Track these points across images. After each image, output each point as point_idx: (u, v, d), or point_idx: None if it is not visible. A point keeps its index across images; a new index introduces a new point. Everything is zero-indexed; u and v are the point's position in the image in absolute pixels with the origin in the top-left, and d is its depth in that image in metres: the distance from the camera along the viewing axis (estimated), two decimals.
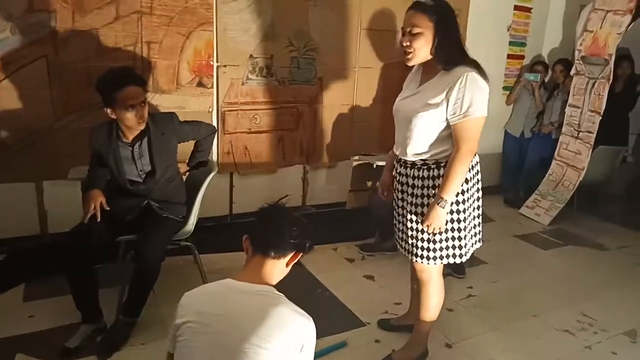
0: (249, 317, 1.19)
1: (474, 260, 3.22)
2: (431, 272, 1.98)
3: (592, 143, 3.89)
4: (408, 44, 1.74)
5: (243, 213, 3.47)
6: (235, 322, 1.18)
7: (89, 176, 2.27)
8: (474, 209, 1.91)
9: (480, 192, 1.95)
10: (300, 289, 1.40)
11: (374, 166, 3.38)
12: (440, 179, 1.80)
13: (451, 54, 1.75)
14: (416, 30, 1.71)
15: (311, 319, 1.24)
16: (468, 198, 1.85)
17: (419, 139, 1.82)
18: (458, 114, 1.72)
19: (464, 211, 1.85)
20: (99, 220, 2.12)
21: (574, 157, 4.04)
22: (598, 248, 3.63)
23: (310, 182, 3.78)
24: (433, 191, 1.83)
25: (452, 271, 2.97)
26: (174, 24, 2.98)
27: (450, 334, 2.37)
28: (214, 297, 1.26)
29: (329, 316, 2.40)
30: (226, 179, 3.43)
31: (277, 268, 1.32)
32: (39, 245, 2.86)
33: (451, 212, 1.83)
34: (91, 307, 2.17)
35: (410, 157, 1.87)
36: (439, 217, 1.77)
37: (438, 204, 1.75)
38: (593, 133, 3.87)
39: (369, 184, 3.81)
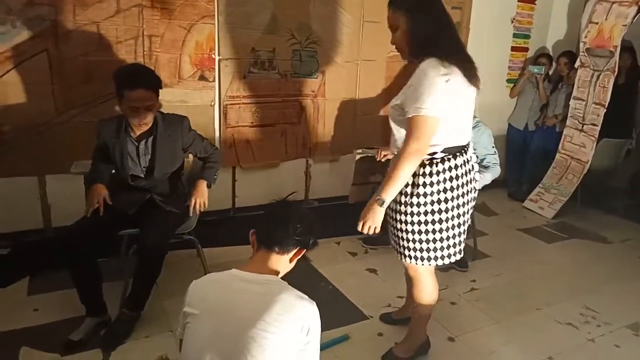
0: (253, 303, 1.21)
1: (477, 253, 3.22)
2: (418, 271, 1.95)
3: (597, 136, 3.87)
4: (393, 42, 1.72)
5: (246, 207, 3.47)
6: (239, 309, 1.21)
7: (92, 170, 2.28)
8: (460, 214, 1.80)
9: (470, 196, 1.82)
10: (303, 283, 1.40)
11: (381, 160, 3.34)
12: (423, 177, 1.73)
13: (418, 45, 1.65)
14: (394, 27, 1.69)
15: (314, 303, 1.27)
16: (455, 197, 1.76)
17: (397, 138, 1.77)
18: (408, 109, 1.62)
19: (446, 210, 1.76)
20: (101, 214, 2.13)
21: (578, 150, 4.02)
22: (602, 241, 3.61)
23: (313, 175, 3.77)
24: (416, 190, 1.75)
25: (455, 265, 2.97)
26: (175, 17, 2.97)
27: (453, 327, 2.37)
28: (218, 284, 1.29)
29: (332, 309, 2.40)
30: (229, 172, 3.43)
31: (281, 263, 1.35)
32: (42, 239, 2.87)
33: (432, 212, 1.76)
34: (95, 301, 2.18)
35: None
36: (375, 215, 1.69)
37: (376, 202, 1.68)
38: (597, 126, 3.85)
39: (373, 177, 3.79)
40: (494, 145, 3.00)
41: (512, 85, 4.55)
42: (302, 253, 1.39)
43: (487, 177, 2.95)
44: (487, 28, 4.23)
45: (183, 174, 2.50)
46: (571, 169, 4.07)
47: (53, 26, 2.67)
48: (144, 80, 2.09)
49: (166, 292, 2.48)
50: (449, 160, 1.73)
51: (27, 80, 2.68)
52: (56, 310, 2.29)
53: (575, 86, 4.03)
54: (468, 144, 1.81)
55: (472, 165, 1.84)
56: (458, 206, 1.79)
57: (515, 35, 4.46)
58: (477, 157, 2.94)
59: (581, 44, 3.99)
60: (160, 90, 2.18)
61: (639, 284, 2.94)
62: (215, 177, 2.43)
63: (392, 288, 2.71)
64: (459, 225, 1.83)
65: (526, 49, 4.58)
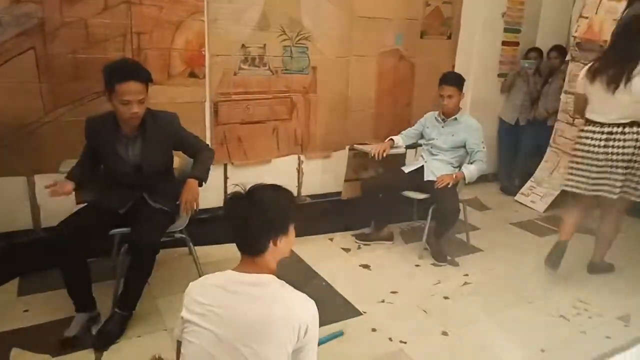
0: (251, 308, 1.20)
1: (469, 248, 3.24)
2: None
3: None
4: None
5: None
6: (237, 316, 1.20)
7: (73, 167, 2.26)
8: (578, 162, 2.71)
9: (591, 155, 2.63)
10: (297, 279, 1.39)
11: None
12: None
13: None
14: None
15: (312, 301, 1.25)
16: (580, 150, 2.68)
17: None
18: None
19: (580, 158, 2.70)
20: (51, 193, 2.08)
21: (569, 144, 4.04)
22: (593, 234, 3.63)
23: (305, 172, 3.76)
24: None
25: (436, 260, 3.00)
26: (164, 14, 2.93)
27: (446, 321, 2.38)
28: (216, 289, 1.26)
29: (326, 306, 2.38)
30: (220, 170, 3.41)
31: (269, 257, 1.30)
32: (32, 239, 2.84)
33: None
34: (84, 297, 2.19)
35: None
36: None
37: None
38: None
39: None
40: (482, 141, 3.04)
41: (503, 80, 4.56)
42: (288, 234, 1.31)
43: (474, 173, 2.98)
44: (478, 23, 4.23)
45: (175, 171, 2.48)
46: (562, 163, 4.09)
47: (40, 23, 2.63)
48: (135, 72, 2.08)
49: (159, 290, 2.46)
50: (583, 124, 2.70)
51: (14, 78, 2.64)
52: (47, 311, 2.27)
53: (566, 80, 4.04)
54: (605, 123, 2.57)
55: (605, 137, 2.56)
56: (579, 156, 2.69)
57: (506, 30, 4.47)
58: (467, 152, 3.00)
59: (571, 38, 4.01)
60: (150, 87, 2.16)
61: (630, 276, 2.97)
62: (207, 173, 2.37)
63: (386, 283, 2.72)
64: (576, 169, 2.71)
65: (517, 44, 4.59)
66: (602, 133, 2.57)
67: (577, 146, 2.71)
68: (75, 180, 2.16)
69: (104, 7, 2.76)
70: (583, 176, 2.67)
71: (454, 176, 2.94)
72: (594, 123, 2.61)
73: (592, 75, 2.57)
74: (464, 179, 2.99)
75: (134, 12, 2.84)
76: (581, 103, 2.70)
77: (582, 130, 2.69)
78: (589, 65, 2.65)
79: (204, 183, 2.35)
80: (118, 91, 2.04)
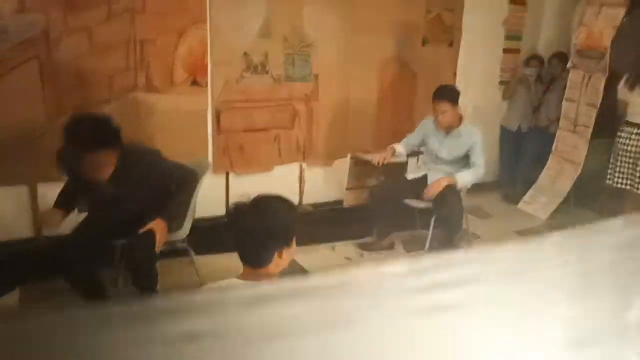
0: None
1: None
2: None
3: (589, 137, 3.89)
4: None
5: None
6: None
7: (59, 195, 2.24)
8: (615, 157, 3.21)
9: (623, 152, 3.13)
10: None
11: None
12: None
13: None
14: None
15: None
16: (617, 146, 3.15)
17: None
18: None
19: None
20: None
21: (571, 151, 4.03)
22: None
23: (307, 180, 3.75)
24: None
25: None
26: (167, 22, 2.95)
27: None
28: None
29: None
30: (222, 178, 3.41)
31: (272, 269, 1.31)
32: (34, 247, 2.83)
33: None
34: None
35: None
36: None
37: None
38: (589, 127, 3.86)
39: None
40: (483, 149, 3.03)
41: (504, 87, 4.56)
42: (290, 246, 1.31)
43: (467, 178, 2.95)
44: (479, 30, 4.24)
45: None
46: (564, 170, 4.08)
47: (44, 32, 2.65)
48: (100, 140, 1.85)
49: None
50: (623, 124, 3.13)
51: (18, 86, 2.65)
52: None
53: (567, 87, 4.05)
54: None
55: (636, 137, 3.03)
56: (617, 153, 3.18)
57: (507, 37, 4.48)
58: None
59: (572, 46, 4.01)
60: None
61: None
62: (179, 212, 2.27)
63: None
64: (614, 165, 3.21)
65: (518, 51, 4.60)
66: (638, 134, 2.97)
67: (617, 145, 3.10)
68: (63, 208, 2.15)
69: (107, 16, 2.78)
70: (620, 172, 3.11)
71: (442, 181, 2.90)
72: (632, 125, 3.02)
73: (631, 84, 2.95)
74: (456, 184, 2.95)
75: (137, 20, 2.85)
76: (622, 107, 3.15)
77: (620, 131, 3.10)
78: (627, 76, 3.05)
79: (175, 219, 2.31)
80: (85, 159, 1.83)
